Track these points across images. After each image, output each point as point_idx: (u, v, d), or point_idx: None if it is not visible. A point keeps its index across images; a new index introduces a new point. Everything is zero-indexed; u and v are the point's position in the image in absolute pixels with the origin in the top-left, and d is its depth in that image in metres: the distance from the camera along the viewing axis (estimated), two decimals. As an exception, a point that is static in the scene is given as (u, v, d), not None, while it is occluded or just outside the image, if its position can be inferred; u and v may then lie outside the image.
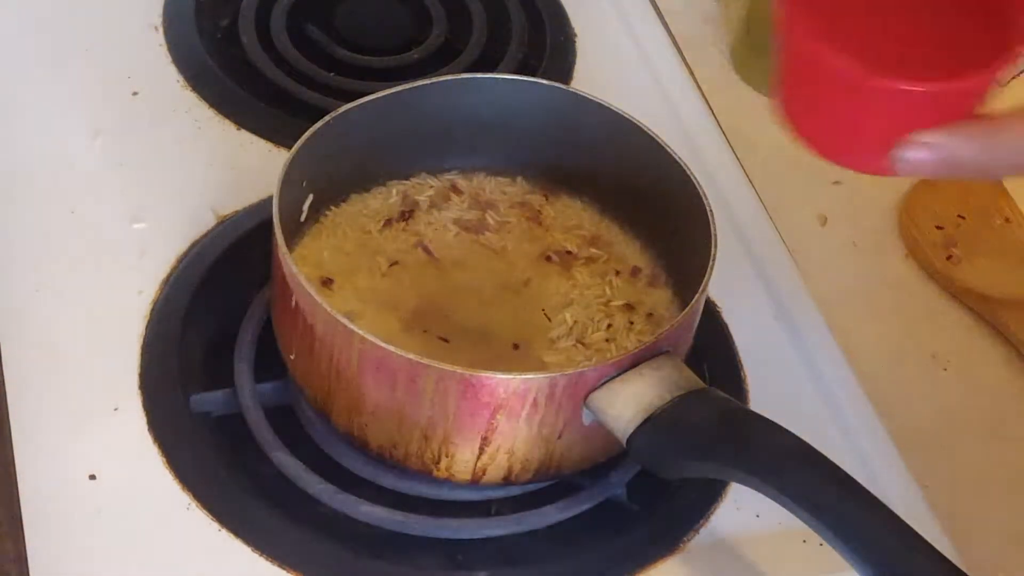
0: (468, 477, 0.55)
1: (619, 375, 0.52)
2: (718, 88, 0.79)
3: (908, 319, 0.70)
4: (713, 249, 0.56)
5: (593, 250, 0.62)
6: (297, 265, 0.53)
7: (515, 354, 0.57)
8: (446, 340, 0.57)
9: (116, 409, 0.59)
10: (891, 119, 0.46)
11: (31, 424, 0.58)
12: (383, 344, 0.50)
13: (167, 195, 0.69)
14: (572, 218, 0.64)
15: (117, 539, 0.55)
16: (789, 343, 0.66)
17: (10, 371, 0.60)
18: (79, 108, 0.73)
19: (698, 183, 0.58)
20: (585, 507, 0.57)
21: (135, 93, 0.74)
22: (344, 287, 0.59)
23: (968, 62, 0.46)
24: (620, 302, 0.60)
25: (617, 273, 0.61)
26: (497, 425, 0.52)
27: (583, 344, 0.58)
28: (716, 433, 0.52)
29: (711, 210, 0.57)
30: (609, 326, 0.59)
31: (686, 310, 0.54)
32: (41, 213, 0.67)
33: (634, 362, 0.52)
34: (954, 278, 0.70)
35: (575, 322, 0.59)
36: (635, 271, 0.62)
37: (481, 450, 0.53)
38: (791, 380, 0.64)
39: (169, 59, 0.76)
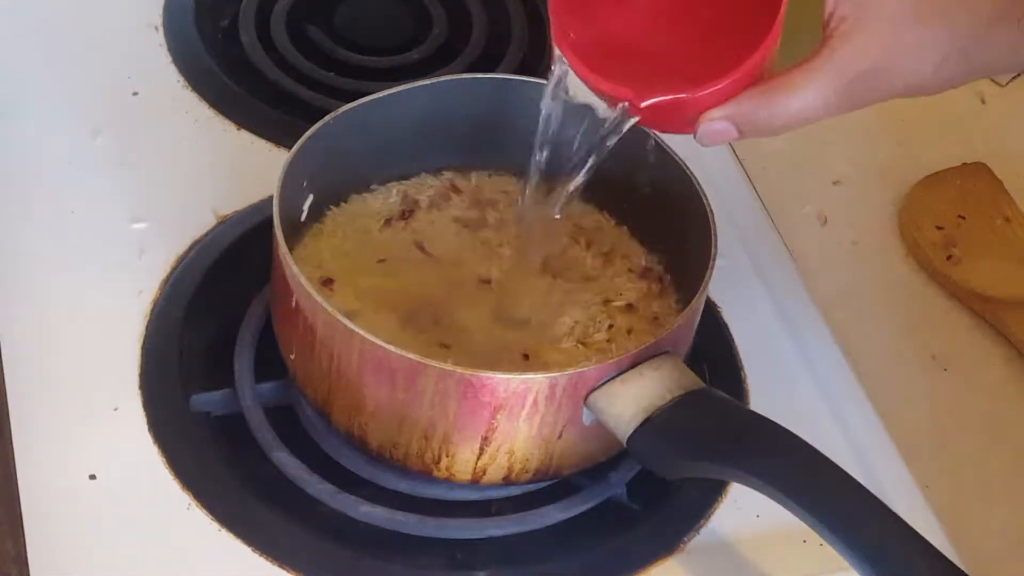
0: (468, 477, 0.55)
1: (619, 375, 0.52)
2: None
3: (908, 319, 0.69)
4: (713, 249, 0.56)
5: (593, 249, 0.62)
6: (297, 265, 0.53)
7: (516, 354, 0.57)
8: (447, 339, 0.57)
9: (116, 409, 0.59)
10: (686, 110, 0.51)
11: (31, 424, 0.58)
12: (383, 344, 0.50)
13: (167, 195, 0.69)
14: (572, 217, 0.64)
15: (117, 539, 0.55)
16: (789, 343, 0.66)
17: (10, 371, 0.60)
18: (79, 108, 0.73)
19: (698, 183, 0.58)
20: (585, 507, 0.57)
21: (135, 93, 0.74)
22: (344, 287, 0.59)
23: (743, 44, 0.50)
24: (621, 302, 0.60)
25: (618, 273, 0.61)
26: (497, 425, 0.52)
27: (584, 344, 0.58)
28: (716, 433, 0.52)
29: (711, 210, 0.57)
30: (610, 326, 0.59)
31: (686, 310, 0.54)
32: (41, 213, 0.67)
33: (634, 362, 0.52)
34: (954, 278, 0.70)
35: (576, 322, 0.59)
36: (637, 270, 0.61)
37: (481, 450, 0.53)
38: (791, 380, 0.64)
39: (169, 59, 0.77)
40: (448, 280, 0.60)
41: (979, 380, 0.67)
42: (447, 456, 0.54)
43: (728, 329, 0.66)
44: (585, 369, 0.52)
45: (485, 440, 0.53)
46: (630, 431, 0.51)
